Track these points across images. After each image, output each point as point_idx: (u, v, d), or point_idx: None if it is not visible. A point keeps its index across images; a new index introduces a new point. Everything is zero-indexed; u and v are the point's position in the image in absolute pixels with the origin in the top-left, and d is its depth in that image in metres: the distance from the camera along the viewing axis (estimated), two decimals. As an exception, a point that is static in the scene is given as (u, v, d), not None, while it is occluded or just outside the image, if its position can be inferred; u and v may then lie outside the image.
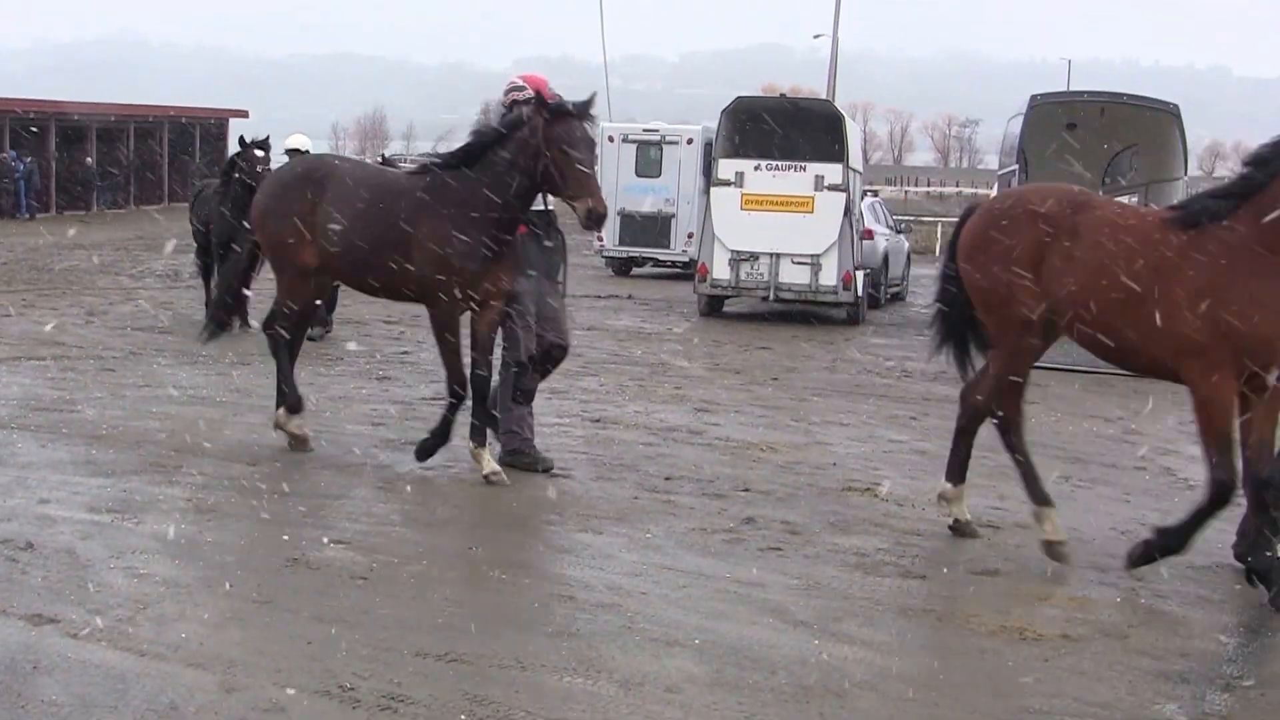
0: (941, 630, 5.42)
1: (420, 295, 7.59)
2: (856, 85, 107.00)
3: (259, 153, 13.62)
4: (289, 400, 8.09)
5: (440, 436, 7.65)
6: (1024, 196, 6.60)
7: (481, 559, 6.20)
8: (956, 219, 7.10)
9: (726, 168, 17.62)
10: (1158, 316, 5.91)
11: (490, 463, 7.60)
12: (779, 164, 17.40)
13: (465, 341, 7.64)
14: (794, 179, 17.31)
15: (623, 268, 24.71)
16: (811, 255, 17.27)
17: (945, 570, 6.24)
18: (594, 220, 7.22)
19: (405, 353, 12.92)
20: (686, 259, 22.74)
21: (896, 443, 9.49)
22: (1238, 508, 6.32)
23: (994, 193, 18.83)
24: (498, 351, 7.85)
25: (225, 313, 8.80)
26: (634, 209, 23.17)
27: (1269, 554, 5.92)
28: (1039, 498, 6.50)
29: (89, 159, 39.55)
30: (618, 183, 22.78)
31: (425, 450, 7.68)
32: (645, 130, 24.06)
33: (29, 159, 36.15)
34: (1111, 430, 10.46)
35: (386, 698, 4.45)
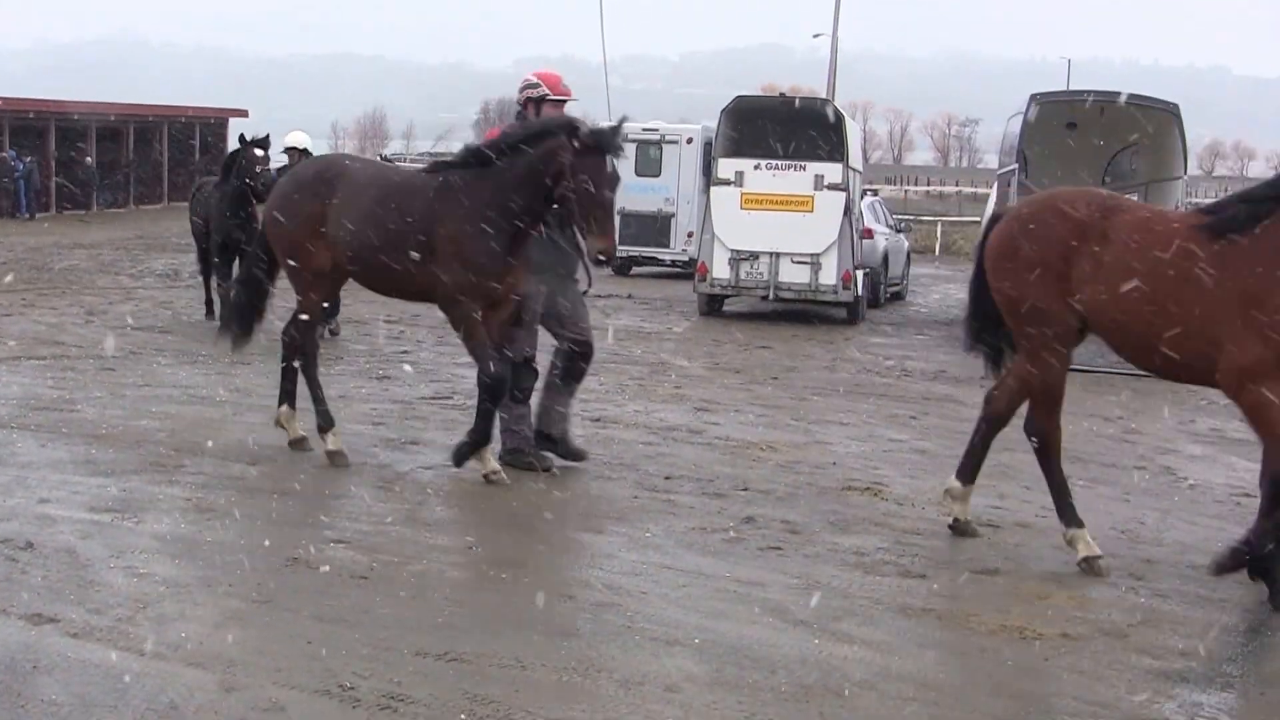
0: (941, 629, 5.42)
1: (435, 296, 7.51)
2: (856, 85, 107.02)
3: (258, 151, 13.59)
4: (321, 421, 7.96)
5: (481, 435, 7.49)
6: (1052, 201, 6.44)
7: (481, 558, 6.20)
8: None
9: (726, 167, 17.63)
10: (1194, 324, 5.82)
11: (491, 462, 7.59)
12: (779, 163, 17.41)
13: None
14: (794, 178, 17.32)
15: (623, 267, 24.71)
16: (811, 254, 17.27)
17: (945, 570, 6.24)
18: (603, 259, 7.30)
19: (405, 352, 12.92)
20: (686, 258, 22.74)
21: (896, 442, 9.48)
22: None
23: (993, 192, 18.88)
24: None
25: (248, 321, 8.45)
26: (634, 208, 23.17)
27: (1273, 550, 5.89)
28: (1071, 520, 6.41)
29: (89, 158, 39.54)
30: None
31: (462, 454, 7.54)
32: (645, 130, 24.03)
33: (29, 158, 36.15)
34: (1111, 430, 10.46)
35: (386, 697, 4.45)
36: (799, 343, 15.62)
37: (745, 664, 4.88)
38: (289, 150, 14.04)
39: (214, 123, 47.49)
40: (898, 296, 22.51)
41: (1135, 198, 15.78)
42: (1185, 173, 16.21)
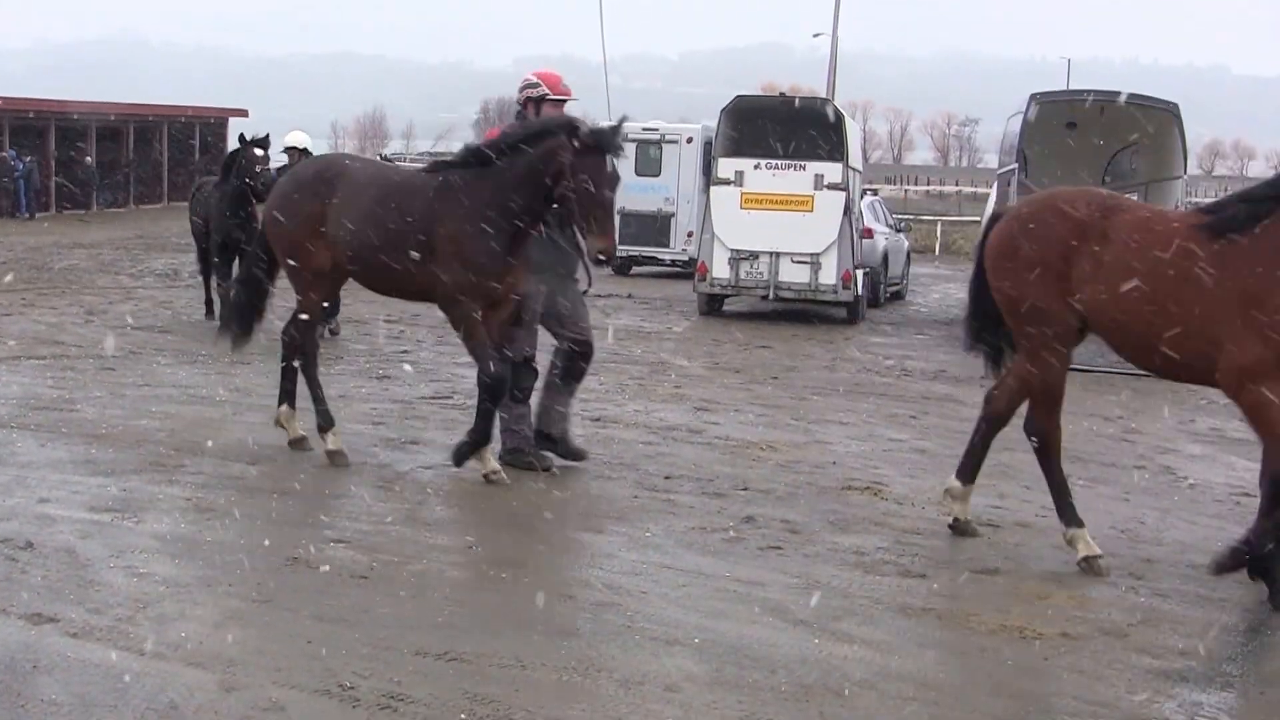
0: (941, 629, 5.42)
1: (435, 295, 7.49)
2: (856, 84, 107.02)
3: (258, 151, 13.58)
4: (321, 421, 7.96)
5: (481, 434, 7.47)
6: (1052, 200, 6.43)
7: (481, 558, 6.20)
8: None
9: (726, 167, 17.63)
10: (1193, 323, 5.81)
11: (490, 462, 7.60)
12: (778, 163, 17.41)
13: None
14: (793, 178, 17.32)
15: (622, 267, 24.70)
16: (811, 254, 17.27)
17: (945, 569, 6.24)
18: (603, 259, 7.30)
19: (405, 351, 12.92)
20: (686, 258, 22.73)
21: (896, 441, 9.48)
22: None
23: (993, 192, 18.88)
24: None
25: (248, 320, 8.44)
26: (634, 208, 23.15)
27: (1273, 550, 5.89)
28: (1071, 520, 6.41)
29: (88, 158, 39.53)
30: None
31: (462, 454, 7.53)
32: (645, 129, 24.02)
33: (29, 158, 36.15)
34: (1111, 429, 10.46)
35: (386, 697, 4.45)
36: (799, 342, 15.62)
37: (745, 663, 4.88)
38: (289, 150, 14.03)
39: (214, 122, 47.49)
40: (897, 296, 22.51)
41: (1135, 197, 15.81)
42: (1185, 172, 16.21)
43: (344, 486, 7.38)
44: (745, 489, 7.67)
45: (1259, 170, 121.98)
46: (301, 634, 5.00)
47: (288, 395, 8.14)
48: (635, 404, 10.38)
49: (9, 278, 17.80)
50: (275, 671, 4.63)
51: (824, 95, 36.21)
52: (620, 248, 23.93)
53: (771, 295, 17.67)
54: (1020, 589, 6.00)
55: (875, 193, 28.02)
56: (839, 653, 5.05)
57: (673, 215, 23.52)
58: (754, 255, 17.47)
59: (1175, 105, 15.99)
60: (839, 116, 18.08)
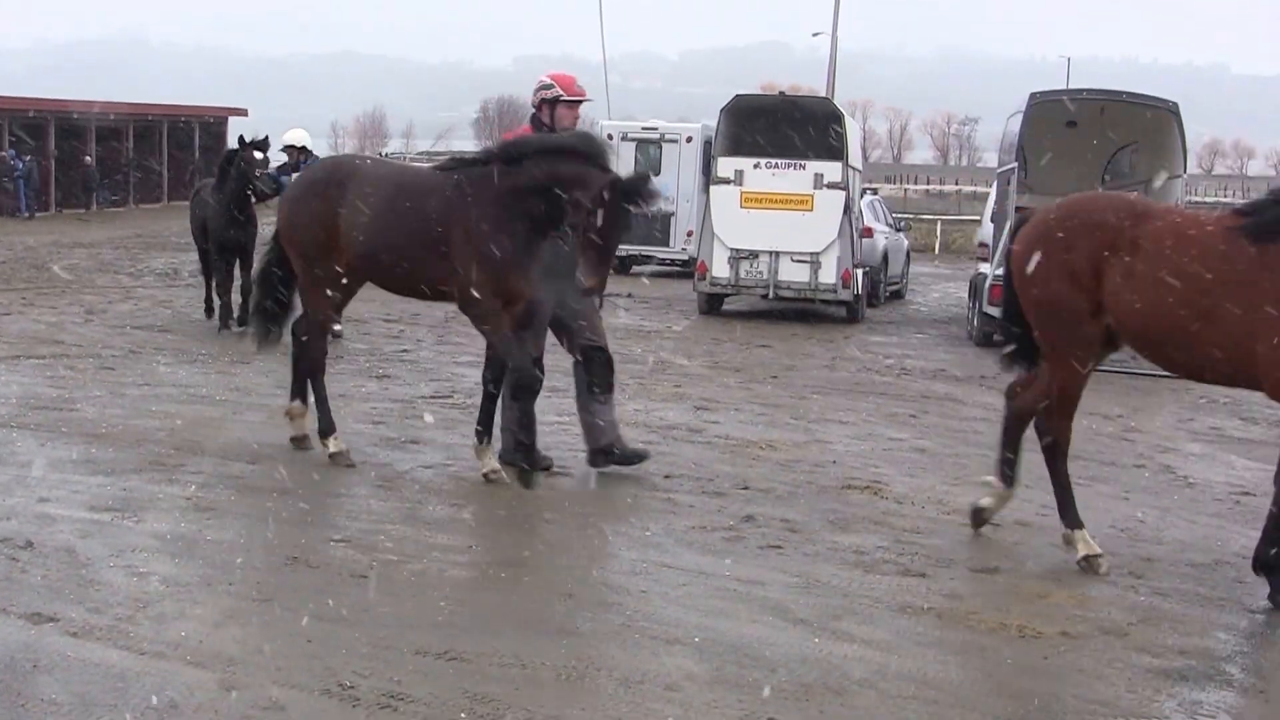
0: (941, 628, 5.42)
1: (451, 294, 7.47)
2: (856, 83, 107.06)
3: (258, 154, 13.53)
4: (322, 425, 7.95)
5: (526, 436, 7.42)
6: (1080, 207, 6.37)
7: (481, 557, 6.21)
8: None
9: (726, 166, 17.63)
10: (1233, 327, 5.75)
11: (490, 460, 7.60)
12: (778, 162, 17.41)
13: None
14: (793, 177, 17.32)
15: (622, 266, 24.68)
16: (811, 253, 17.27)
17: (945, 568, 6.24)
18: (589, 293, 7.33)
19: (405, 351, 12.92)
20: (686, 257, 22.73)
21: (896, 440, 9.48)
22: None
23: (993, 191, 18.87)
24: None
25: (270, 320, 8.42)
26: None
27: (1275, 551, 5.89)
28: (1071, 521, 6.41)
29: (88, 158, 39.53)
30: None
31: (523, 462, 7.46)
32: (645, 128, 24.04)
33: (28, 157, 36.14)
34: (1111, 428, 10.46)
35: (386, 696, 4.46)
36: (798, 341, 15.62)
37: (745, 662, 4.89)
38: (288, 148, 14.03)
39: (214, 122, 47.49)
40: (897, 295, 22.52)
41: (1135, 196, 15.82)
42: (1185, 171, 16.20)
43: (344, 486, 7.38)
44: (745, 488, 7.67)
45: (1258, 169, 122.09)
46: (301, 633, 5.00)
47: (299, 392, 8.12)
48: (635, 403, 10.38)
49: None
50: (275, 670, 4.63)
51: (824, 94, 36.19)
52: (620, 247, 24.09)
53: (771, 294, 17.68)
54: (1020, 588, 6.01)
55: (875, 192, 28.00)
56: (839, 652, 5.05)
57: (672, 214, 23.51)
58: (754, 254, 17.47)
59: (1175, 104, 15.98)
60: (839, 116, 18.08)
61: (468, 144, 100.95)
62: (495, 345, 7.42)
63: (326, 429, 7.96)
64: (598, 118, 24.17)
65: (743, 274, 17.58)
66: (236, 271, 13.78)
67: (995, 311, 15.57)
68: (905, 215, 30.37)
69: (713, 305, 18.36)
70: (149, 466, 7.54)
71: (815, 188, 17.27)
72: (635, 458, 7.92)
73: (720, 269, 17.65)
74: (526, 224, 7.19)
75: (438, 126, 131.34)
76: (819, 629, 5.29)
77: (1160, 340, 6.08)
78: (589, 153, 7.12)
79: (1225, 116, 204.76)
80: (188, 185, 35.09)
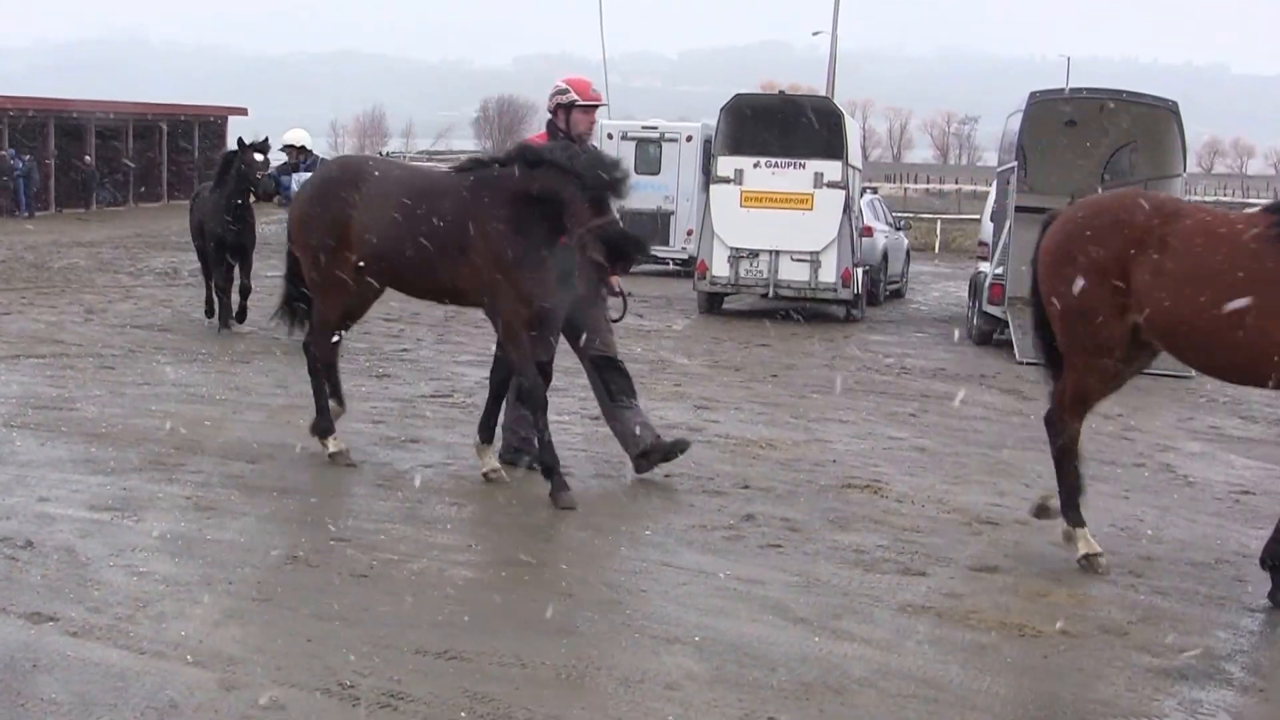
0: (941, 627, 5.42)
1: (466, 296, 7.44)
2: (856, 82, 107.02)
3: (258, 156, 13.51)
4: (321, 425, 7.93)
5: (545, 449, 7.26)
6: (1109, 205, 6.34)
7: (481, 557, 6.21)
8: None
9: (726, 165, 17.62)
10: (1270, 327, 5.69)
11: (491, 460, 7.60)
12: (778, 161, 17.40)
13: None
14: (793, 176, 17.32)
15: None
16: (811, 252, 17.27)
17: (945, 567, 6.25)
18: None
19: (405, 350, 12.92)
20: (686, 256, 22.73)
21: (896, 440, 9.48)
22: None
23: (993, 190, 18.87)
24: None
25: (298, 320, 8.47)
26: (633, 206, 23.11)
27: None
28: (1074, 519, 6.40)
29: (88, 157, 39.51)
30: None
31: (550, 473, 7.30)
32: (645, 127, 24.05)
33: (28, 157, 36.13)
34: (1110, 427, 10.45)
35: (386, 695, 4.46)
36: (798, 340, 15.62)
37: (745, 662, 4.89)
38: (288, 148, 14.02)
39: (214, 121, 47.45)
40: (897, 294, 22.51)
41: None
42: (1185, 170, 16.20)
43: (344, 485, 7.39)
44: (745, 487, 7.67)
45: (1258, 169, 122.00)
46: (301, 632, 5.00)
47: (325, 395, 8.01)
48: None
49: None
50: (275, 670, 4.63)
51: (824, 94, 36.19)
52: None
53: (771, 293, 17.68)
54: (1020, 587, 6.01)
55: (875, 191, 28.00)
56: (839, 651, 5.05)
57: (672, 213, 23.51)
58: (754, 253, 17.47)
59: (1174, 103, 15.97)
60: (838, 115, 18.07)
61: (467, 143, 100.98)
62: (510, 354, 7.35)
63: (326, 429, 7.95)
64: (598, 117, 24.16)
65: (743, 273, 17.57)
66: (236, 272, 13.78)
67: (995, 310, 15.66)
68: (905, 214, 30.33)
69: (713, 304, 18.35)
70: (149, 466, 7.54)
71: (815, 187, 17.26)
72: (678, 449, 7.80)
73: (720, 268, 17.65)
74: (544, 226, 7.12)
75: (437, 126, 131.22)
76: (819, 628, 5.29)
77: (1188, 339, 6.03)
78: (590, 186, 6.95)
79: (1225, 116, 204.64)
80: (187, 185, 35.10)
